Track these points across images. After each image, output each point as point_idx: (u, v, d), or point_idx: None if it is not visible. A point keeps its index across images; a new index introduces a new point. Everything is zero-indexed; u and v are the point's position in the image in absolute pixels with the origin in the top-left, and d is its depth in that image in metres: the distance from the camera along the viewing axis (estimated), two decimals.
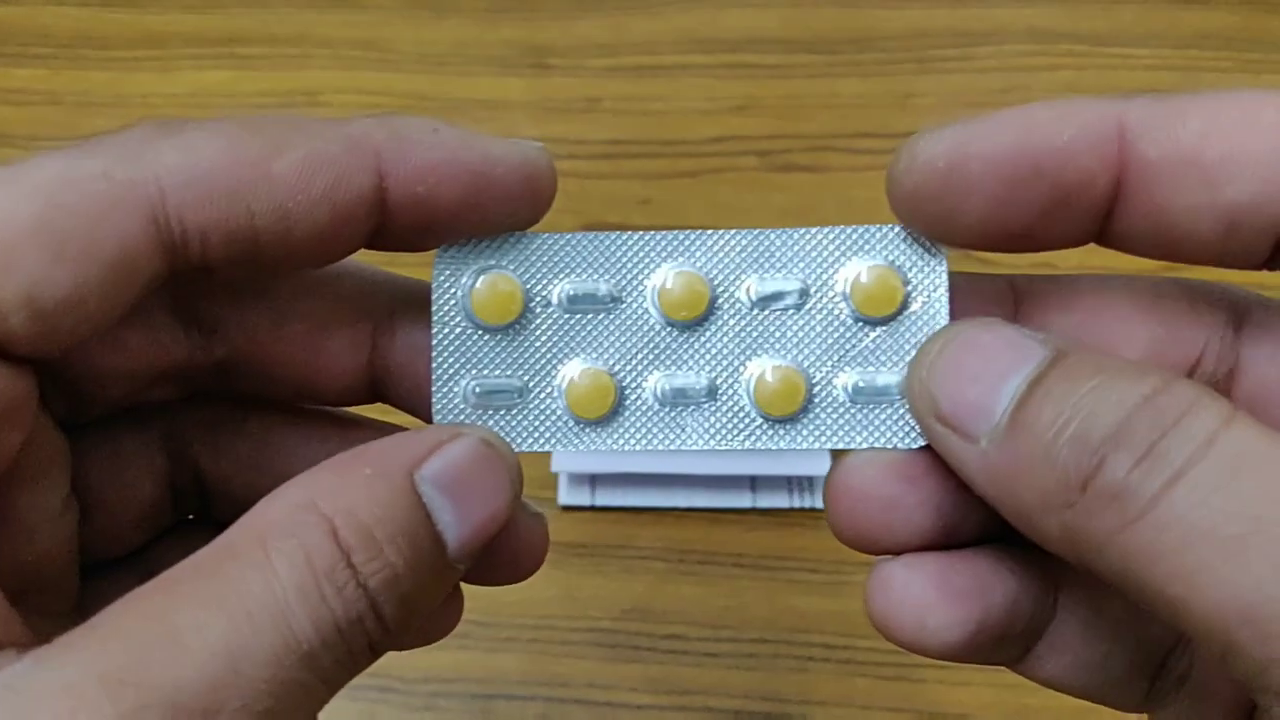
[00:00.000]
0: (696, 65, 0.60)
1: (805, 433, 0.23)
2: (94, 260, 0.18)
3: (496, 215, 0.21)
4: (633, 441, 0.23)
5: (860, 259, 0.22)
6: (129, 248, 0.18)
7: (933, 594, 0.21)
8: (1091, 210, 0.20)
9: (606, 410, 0.22)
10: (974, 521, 0.22)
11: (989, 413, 0.19)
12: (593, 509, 0.47)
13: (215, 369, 0.23)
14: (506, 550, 0.24)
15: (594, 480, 0.47)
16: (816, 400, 0.22)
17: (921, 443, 0.21)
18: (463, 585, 0.24)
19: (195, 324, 0.22)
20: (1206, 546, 0.16)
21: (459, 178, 0.21)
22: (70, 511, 0.22)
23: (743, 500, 0.46)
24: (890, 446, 0.22)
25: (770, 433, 0.23)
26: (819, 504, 0.46)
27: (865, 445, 0.22)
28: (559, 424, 0.23)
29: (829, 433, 0.22)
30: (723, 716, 0.42)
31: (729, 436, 0.23)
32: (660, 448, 0.23)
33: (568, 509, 0.47)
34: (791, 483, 0.47)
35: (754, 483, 0.47)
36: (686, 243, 0.22)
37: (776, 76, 0.60)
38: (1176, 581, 0.16)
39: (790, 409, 0.22)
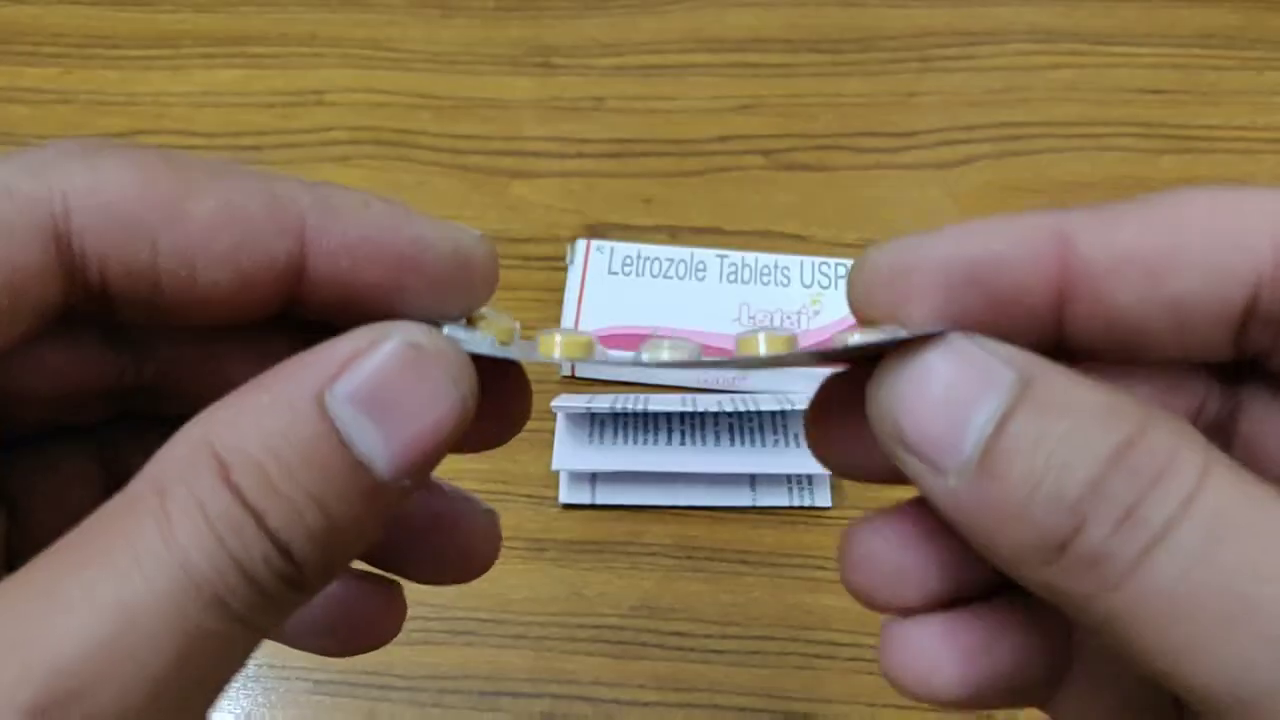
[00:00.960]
0: (701, 65, 0.61)
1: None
2: None
3: (423, 301, 0.20)
4: (606, 361, 0.21)
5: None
6: (24, 265, 0.18)
7: (940, 653, 0.21)
8: (1037, 316, 0.20)
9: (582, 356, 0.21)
10: (982, 577, 0.22)
11: (956, 448, 0.18)
12: (593, 507, 0.47)
13: (145, 391, 0.22)
14: (453, 547, 0.23)
15: (594, 478, 0.47)
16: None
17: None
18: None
19: (124, 345, 0.22)
20: (1191, 621, 0.16)
21: (384, 258, 0.20)
22: None
23: (743, 498, 0.47)
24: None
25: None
26: (818, 502, 0.47)
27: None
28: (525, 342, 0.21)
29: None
30: (729, 714, 0.43)
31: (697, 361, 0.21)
32: (627, 365, 0.21)
33: (568, 507, 0.47)
34: (791, 480, 0.47)
35: (754, 480, 0.47)
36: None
37: (781, 76, 0.60)
38: (1161, 656, 0.16)
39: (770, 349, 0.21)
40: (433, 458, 0.18)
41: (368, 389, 0.18)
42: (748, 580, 0.45)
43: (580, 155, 0.57)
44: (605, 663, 0.44)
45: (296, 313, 0.20)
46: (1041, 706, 0.23)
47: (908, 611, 0.22)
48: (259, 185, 0.19)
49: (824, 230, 0.55)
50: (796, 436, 0.47)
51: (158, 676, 0.15)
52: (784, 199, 0.56)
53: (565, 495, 0.47)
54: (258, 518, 0.16)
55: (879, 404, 0.20)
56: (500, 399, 0.22)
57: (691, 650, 0.44)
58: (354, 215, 0.19)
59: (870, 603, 0.22)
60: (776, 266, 0.51)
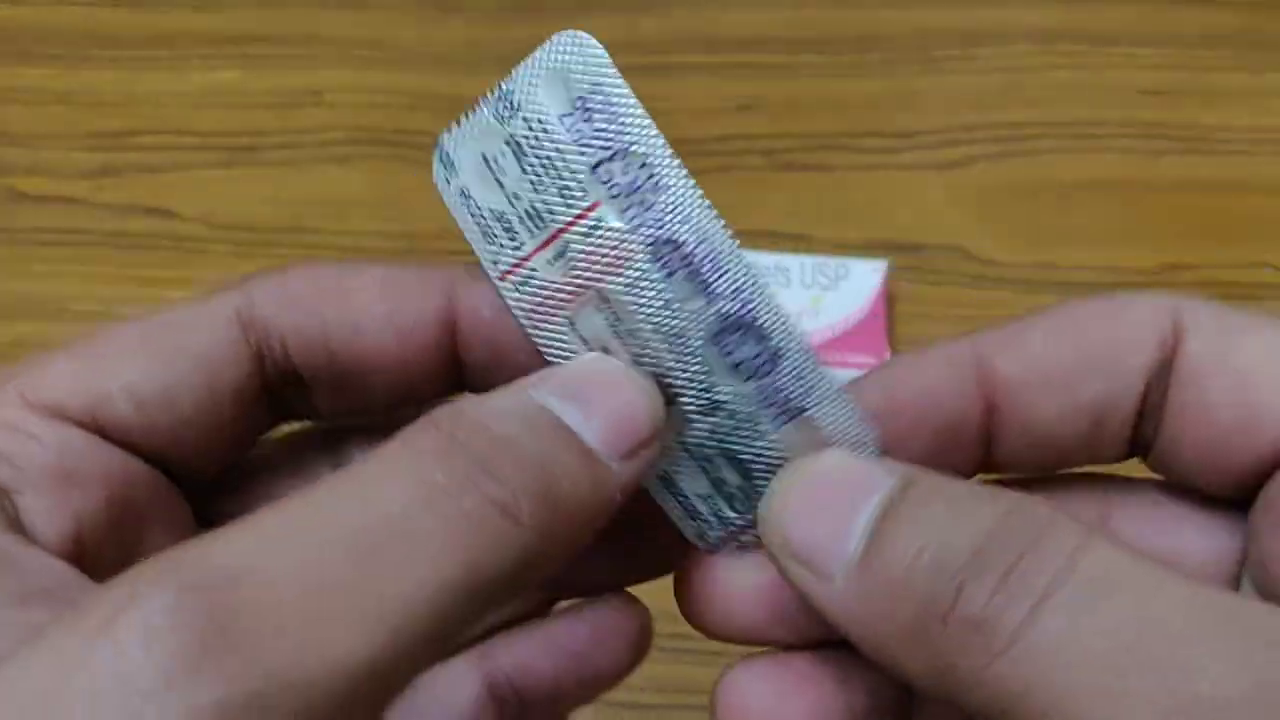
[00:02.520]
0: (701, 65, 0.61)
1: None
2: (184, 356, 0.21)
3: None
4: None
5: None
6: (215, 345, 0.21)
7: None
8: (970, 441, 0.21)
9: None
10: (863, 715, 0.21)
11: (841, 549, 0.18)
12: None
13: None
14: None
15: None
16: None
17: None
18: None
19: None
20: (1079, 679, 0.16)
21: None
22: None
23: None
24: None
25: None
26: None
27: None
28: None
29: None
30: None
31: None
32: None
33: None
34: None
35: None
36: None
37: (781, 76, 0.60)
38: (1054, 714, 0.16)
39: None
40: (635, 438, 0.19)
41: (564, 383, 0.19)
42: None
43: None
44: None
45: (467, 382, 0.22)
46: None
47: None
48: (413, 265, 0.22)
49: (824, 230, 0.55)
50: None
51: (316, 583, 0.15)
52: (784, 199, 0.56)
53: None
54: (460, 441, 0.17)
55: (769, 517, 0.20)
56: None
57: (692, 652, 0.44)
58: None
59: None
60: (777, 267, 0.51)
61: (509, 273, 0.21)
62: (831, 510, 0.19)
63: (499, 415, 0.18)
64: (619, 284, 0.20)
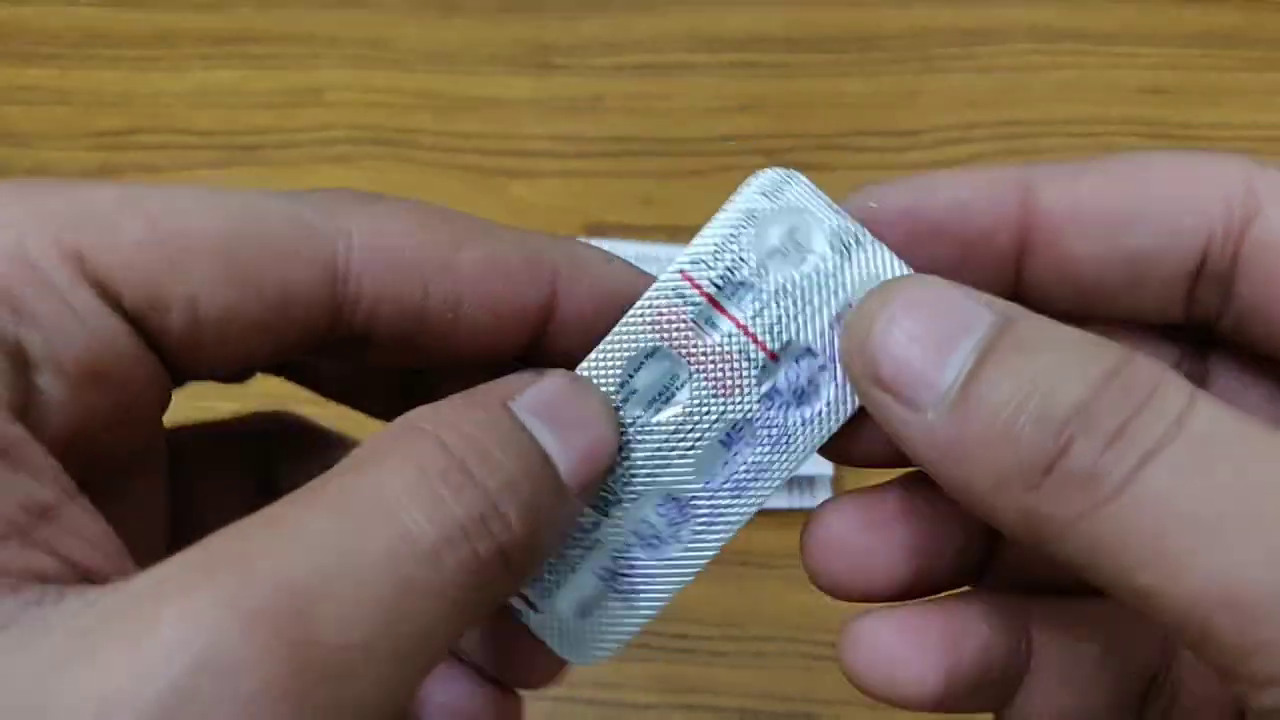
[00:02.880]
0: (702, 64, 0.61)
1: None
2: (259, 289, 0.19)
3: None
4: None
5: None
6: (298, 290, 0.19)
7: (903, 648, 0.21)
8: (998, 264, 0.21)
9: None
10: (948, 565, 0.22)
11: (935, 381, 0.18)
12: None
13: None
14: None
15: None
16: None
17: (854, 407, 0.21)
18: None
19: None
20: (1183, 530, 0.16)
21: (615, 310, 0.21)
22: (161, 510, 0.22)
23: None
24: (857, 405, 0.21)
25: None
26: (819, 504, 0.46)
27: (836, 421, 0.21)
28: None
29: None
30: (729, 715, 0.43)
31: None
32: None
33: None
34: (791, 483, 0.47)
35: None
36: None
37: (781, 75, 0.60)
38: (1149, 568, 0.16)
39: None
40: (599, 474, 0.20)
41: (544, 403, 0.19)
42: (749, 582, 0.45)
43: (580, 155, 0.57)
44: (606, 665, 0.44)
45: (531, 357, 0.22)
46: (997, 713, 0.22)
47: (872, 599, 0.22)
48: (519, 239, 0.21)
49: None
50: None
51: (373, 617, 0.15)
52: None
53: None
54: (477, 478, 0.17)
55: (854, 340, 0.19)
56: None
57: (692, 652, 0.44)
58: (599, 270, 0.22)
59: (834, 589, 0.22)
60: None
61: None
62: (927, 340, 0.18)
63: (486, 433, 0.18)
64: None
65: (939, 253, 0.20)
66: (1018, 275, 0.21)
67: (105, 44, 0.61)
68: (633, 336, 0.21)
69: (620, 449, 0.21)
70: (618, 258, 0.22)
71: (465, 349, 0.21)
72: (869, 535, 0.21)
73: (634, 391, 0.21)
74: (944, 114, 0.59)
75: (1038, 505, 0.17)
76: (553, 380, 0.20)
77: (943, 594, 0.22)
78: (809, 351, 0.21)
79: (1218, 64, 0.60)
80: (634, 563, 0.22)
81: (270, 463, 0.25)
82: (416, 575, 0.16)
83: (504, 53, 0.61)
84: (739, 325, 0.21)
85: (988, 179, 0.20)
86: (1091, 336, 0.18)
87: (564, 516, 0.19)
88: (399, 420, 0.18)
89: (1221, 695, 0.21)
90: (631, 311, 0.21)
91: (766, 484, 0.22)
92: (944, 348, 0.18)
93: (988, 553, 0.23)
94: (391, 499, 0.16)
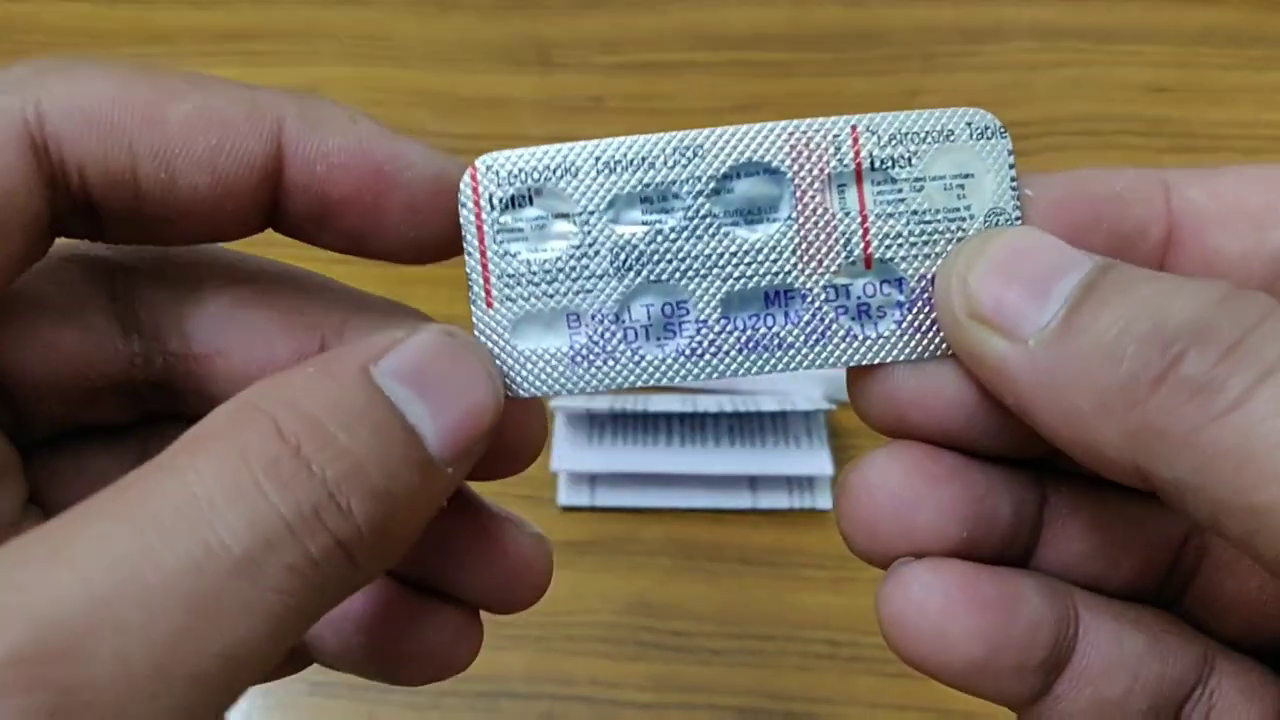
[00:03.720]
0: (702, 63, 0.60)
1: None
2: None
3: (397, 224, 0.20)
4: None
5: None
6: (3, 171, 0.18)
7: (958, 599, 0.19)
8: (1147, 259, 0.20)
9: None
10: (998, 535, 0.20)
11: (1037, 312, 0.18)
12: (592, 509, 0.47)
13: (160, 387, 0.22)
14: (501, 569, 0.23)
15: (593, 480, 0.47)
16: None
17: (938, 351, 0.20)
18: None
19: (133, 329, 0.21)
20: None
21: (361, 170, 0.20)
22: (29, 521, 0.20)
23: (742, 501, 0.46)
24: (900, 358, 0.20)
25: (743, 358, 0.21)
26: (819, 504, 0.46)
27: (870, 358, 0.20)
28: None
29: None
30: (727, 714, 0.42)
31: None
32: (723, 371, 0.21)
33: (568, 509, 0.47)
34: (791, 483, 0.47)
35: (753, 483, 0.47)
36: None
37: (782, 74, 0.60)
38: (1268, 485, 0.15)
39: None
40: (477, 442, 0.18)
41: (411, 367, 0.18)
42: (747, 580, 0.45)
43: None
44: (603, 663, 0.44)
45: (280, 227, 0.20)
46: (1026, 706, 0.21)
47: (915, 555, 0.20)
48: (239, 92, 0.19)
49: None
50: (796, 438, 0.47)
51: (161, 643, 0.14)
52: None
53: (564, 498, 0.47)
54: (313, 465, 0.16)
55: (955, 276, 0.19)
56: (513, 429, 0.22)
57: (690, 650, 0.44)
58: (335, 125, 0.20)
59: (870, 540, 0.20)
60: None
61: None
62: (1027, 277, 0.18)
63: (333, 408, 0.16)
64: None
65: (1094, 245, 0.19)
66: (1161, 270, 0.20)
67: (104, 42, 0.61)
68: (766, 146, 0.20)
69: (676, 229, 0.20)
70: (367, 117, 0.20)
71: (197, 220, 0.19)
72: (920, 485, 0.20)
73: (729, 192, 0.20)
74: None
75: (1145, 420, 0.16)
76: (422, 339, 0.18)
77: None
78: (900, 283, 0.20)
79: (1220, 62, 0.60)
80: (605, 335, 0.20)
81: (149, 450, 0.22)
82: (225, 589, 0.14)
83: (504, 50, 0.61)
84: (862, 211, 0.20)
85: (1136, 175, 0.20)
86: (1194, 275, 0.18)
87: (434, 491, 0.18)
88: (237, 396, 0.17)
89: (1262, 706, 0.21)
90: (778, 126, 0.20)
91: (773, 361, 0.20)
92: (1047, 283, 0.18)
93: (1034, 538, 0.22)
94: (203, 501, 0.15)
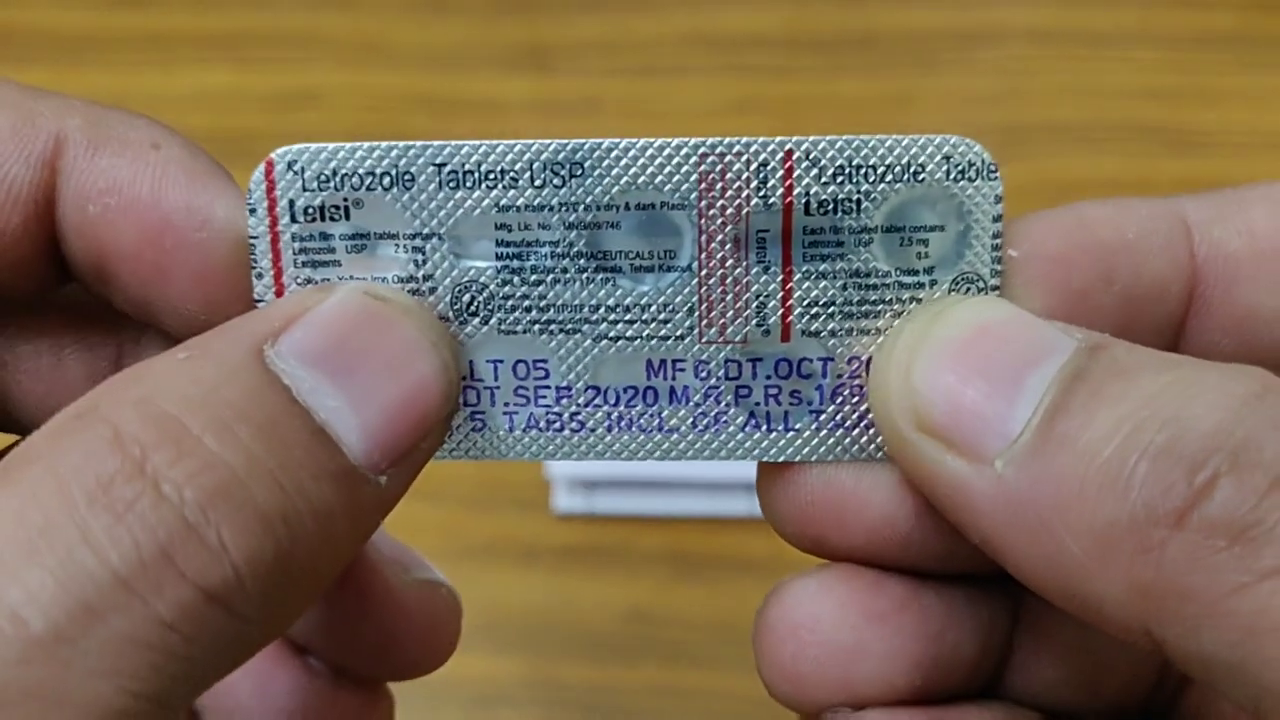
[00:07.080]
0: (698, 66, 0.60)
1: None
2: None
3: (183, 298, 0.15)
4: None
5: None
6: None
7: None
8: (1167, 324, 0.16)
9: None
10: (960, 675, 0.17)
11: (1004, 421, 0.13)
12: (589, 516, 0.47)
13: None
14: (408, 631, 0.19)
15: (590, 486, 0.47)
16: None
17: (866, 455, 0.16)
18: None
19: None
20: None
21: (143, 218, 0.15)
22: None
23: (739, 506, 0.46)
24: (814, 459, 0.16)
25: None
26: None
27: (774, 456, 0.16)
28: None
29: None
30: None
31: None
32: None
33: (564, 517, 0.47)
34: None
35: (753, 489, 0.46)
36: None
37: (778, 77, 0.60)
38: None
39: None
40: (421, 436, 0.14)
41: (321, 344, 0.13)
42: (745, 586, 0.45)
43: None
44: (600, 671, 0.43)
45: (71, 275, 0.15)
46: None
47: (852, 707, 0.16)
48: (11, 95, 0.15)
49: None
50: None
51: (128, 698, 0.11)
52: None
53: (560, 504, 0.47)
54: (163, 488, 0.11)
55: (893, 371, 0.15)
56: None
57: (687, 656, 0.44)
58: (126, 150, 0.15)
59: (797, 692, 0.17)
60: None
61: None
62: (990, 368, 0.14)
63: (204, 403, 0.12)
64: None
65: (1104, 311, 0.15)
66: (1176, 339, 0.16)
67: (99, 46, 0.61)
68: (669, 171, 0.15)
69: (538, 269, 0.15)
70: (180, 141, 0.15)
71: None
72: (864, 628, 0.16)
73: (614, 227, 0.15)
74: (941, 116, 0.59)
75: (1163, 572, 0.12)
76: (336, 303, 0.14)
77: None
78: (825, 364, 0.16)
79: (1218, 66, 0.60)
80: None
81: None
82: (16, 683, 0.10)
83: (500, 54, 0.61)
84: (786, 268, 0.15)
85: (1150, 214, 0.16)
86: (1207, 362, 0.13)
87: (360, 509, 0.13)
88: (80, 400, 0.13)
89: None
90: (688, 143, 0.15)
91: (649, 447, 0.16)
92: (1018, 375, 0.13)
93: (1003, 660, 0.18)
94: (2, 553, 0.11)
